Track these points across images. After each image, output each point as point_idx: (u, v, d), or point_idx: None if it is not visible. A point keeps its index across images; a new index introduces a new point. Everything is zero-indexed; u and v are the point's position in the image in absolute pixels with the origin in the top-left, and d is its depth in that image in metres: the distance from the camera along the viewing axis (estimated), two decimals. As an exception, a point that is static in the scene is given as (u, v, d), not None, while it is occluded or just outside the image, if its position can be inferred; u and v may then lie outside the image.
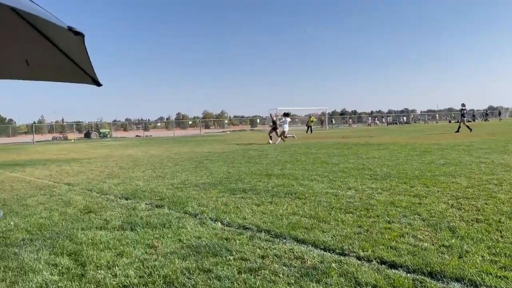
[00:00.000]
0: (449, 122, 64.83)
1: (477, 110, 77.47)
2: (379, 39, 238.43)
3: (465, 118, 23.06)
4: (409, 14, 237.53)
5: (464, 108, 23.09)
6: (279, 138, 19.00)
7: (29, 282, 2.99)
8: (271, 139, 19.13)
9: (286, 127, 19.13)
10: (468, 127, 22.11)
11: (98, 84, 2.29)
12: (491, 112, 73.61)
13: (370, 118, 75.13)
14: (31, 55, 2.17)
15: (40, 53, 2.11)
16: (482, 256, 3.10)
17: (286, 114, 19.73)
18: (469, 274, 2.80)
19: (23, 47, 2.09)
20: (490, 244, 3.37)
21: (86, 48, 1.76)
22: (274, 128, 19.51)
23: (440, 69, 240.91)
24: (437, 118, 76.04)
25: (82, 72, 2.12)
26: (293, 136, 19.41)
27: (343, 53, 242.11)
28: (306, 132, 35.66)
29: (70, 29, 1.58)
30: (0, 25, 1.79)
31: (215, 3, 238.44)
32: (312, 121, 37.98)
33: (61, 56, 2.00)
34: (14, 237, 4.16)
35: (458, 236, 3.59)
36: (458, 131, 21.93)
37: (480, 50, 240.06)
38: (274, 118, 19.99)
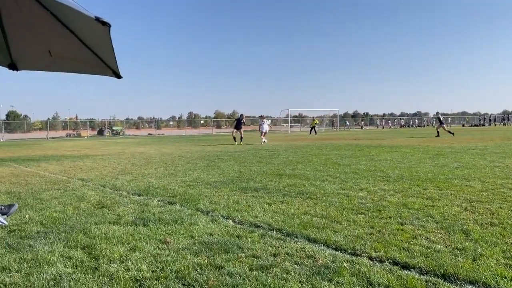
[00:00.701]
0: (463, 126, 64.07)
1: (491, 114, 76.21)
2: (393, 40, 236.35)
3: (443, 125, 24.68)
4: (423, 16, 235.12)
5: (439, 115, 25.26)
6: (238, 138, 20.19)
7: (43, 274, 3.04)
8: (263, 139, 20.31)
9: (266, 127, 20.97)
10: (448, 131, 23.67)
11: (118, 76, 2.30)
12: (506, 117, 72.47)
13: (383, 120, 74.50)
14: (54, 46, 2.20)
15: (63, 44, 2.13)
16: (497, 260, 3.06)
17: (261, 116, 22.36)
18: (483, 277, 2.77)
19: (47, 38, 2.12)
20: (505, 248, 3.32)
21: (111, 39, 1.78)
22: (238, 128, 20.40)
23: (454, 73, 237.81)
24: (449, 121, 74.99)
25: (103, 64, 2.14)
26: (264, 142, 20.48)
27: (357, 54, 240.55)
28: (310, 133, 36.20)
29: (97, 19, 1.60)
30: (23, 16, 1.81)
31: (227, 1, 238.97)
32: (316, 123, 38.95)
33: (83, 47, 2.02)
34: (29, 230, 4.23)
35: (472, 239, 3.55)
36: (438, 135, 23.31)
37: (494, 53, 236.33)
38: (244, 121, 20.98)
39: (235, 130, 20.58)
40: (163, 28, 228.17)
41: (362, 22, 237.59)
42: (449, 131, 23.59)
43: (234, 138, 20.42)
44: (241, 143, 19.75)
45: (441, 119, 24.66)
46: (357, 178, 7.16)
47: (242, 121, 20.51)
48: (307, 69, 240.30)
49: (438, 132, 24.08)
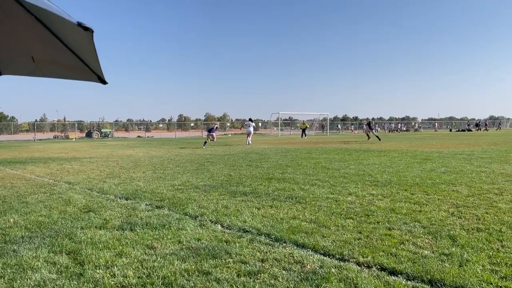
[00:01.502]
0: (450, 130, 64.84)
1: (478, 119, 77.22)
2: (384, 45, 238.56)
3: (373, 130, 27.21)
4: (413, 20, 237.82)
5: (370, 120, 28.75)
6: (208, 141, 21.64)
7: (27, 280, 2.99)
8: (208, 141, 21.85)
9: (251, 130, 23.31)
10: (376, 136, 25.75)
11: (103, 82, 2.28)
12: (491, 122, 73.71)
13: (370, 124, 74.90)
14: (36, 51, 2.16)
15: (46, 50, 2.10)
16: (483, 266, 3.09)
17: (250, 120, 24.19)
18: (469, 283, 2.79)
19: (29, 43, 2.08)
20: (491, 253, 3.36)
21: (94, 45, 1.76)
22: (211, 131, 22.40)
23: (442, 77, 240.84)
24: (436, 126, 75.76)
25: (88, 69, 2.11)
26: (249, 143, 22.56)
27: (348, 57, 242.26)
28: (301, 137, 37.32)
29: (79, 24, 1.58)
30: (5, 20, 1.78)
31: (217, 5, 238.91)
32: (306, 127, 39.98)
33: (68, 53, 1.99)
34: (14, 234, 4.16)
35: (458, 245, 3.58)
36: (369, 138, 26.06)
37: (482, 59, 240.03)
38: (214, 128, 23.57)
39: (208, 134, 22.41)
40: (154, 30, 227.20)
41: (354, 26, 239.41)
42: (377, 136, 25.82)
43: (206, 142, 21.50)
44: (204, 146, 20.58)
45: (371, 125, 27.80)
46: (346, 183, 7.18)
47: (215, 130, 22.99)
48: (299, 73, 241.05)
49: (368, 135, 26.71)
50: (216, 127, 24.11)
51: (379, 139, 24.98)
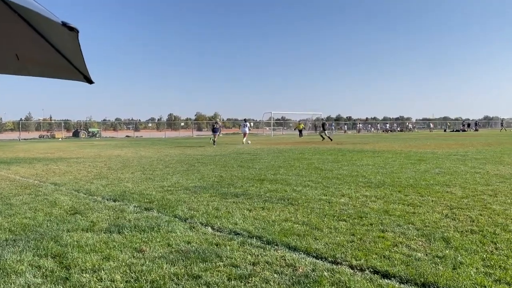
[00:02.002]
0: (444, 131, 65.38)
1: (472, 119, 77.85)
2: (378, 45, 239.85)
3: (326, 131, 28.63)
4: (407, 20, 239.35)
5: (324, 122, 30.42)
6: (214, 140, 22.79)
7: (11, 284, 2.90)
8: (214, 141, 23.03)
9: (246, 130, 24.94)
10: (328, 137, 27.48)
11: (90, 81, 2.25)
12: (486, 123, 74.56)
13: (360, 124, 75.36)
14: (21, 49, 2.12)
15: (31, 48, 2.07)
16: (477, 268, 3.05)
17: (245, 120, 26.04)
18: (463, 286, 2.75)
19: (14, 41, 2.04)
20: (485, 256, 3.32)
21: (79, 45, 1.74)
22: (214, 130, 23.48)
23: (437, 77, 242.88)
24: (431, 126, 76.36)
25: (74, 68, 2.08)
26: (248, 142, 23.77)
27: (341, 56, 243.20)
28: (300, 136, 38.60)
29: (64, 24, 1.54)
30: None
31: (210, 4, 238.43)
32: (302, 127, 41.36)
33: (53, 52, 1.95)
34: (-3, 237, 4.04)
35: (452, 247, 3.54)
36: (323, 139, 27.14)
37: (477, 59, 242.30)
38: (216, 126, 24.37)
39: (213, 134, 23.65)
40: (142, 28, 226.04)
41: (347, 26, 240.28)
42: (329, 137, 27.54)
43: (214, 141, 22.62)
44: (214, 145, 21.70)
45: (325, 126, 29.43)
46: (339, 184, 7.14)
47: (217, 127, 23.68)
48: (292, 72, 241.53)
49: (322, 136, 27.73)
50: (217, 126, 24.68)
51: (331, 139, 26.53)
